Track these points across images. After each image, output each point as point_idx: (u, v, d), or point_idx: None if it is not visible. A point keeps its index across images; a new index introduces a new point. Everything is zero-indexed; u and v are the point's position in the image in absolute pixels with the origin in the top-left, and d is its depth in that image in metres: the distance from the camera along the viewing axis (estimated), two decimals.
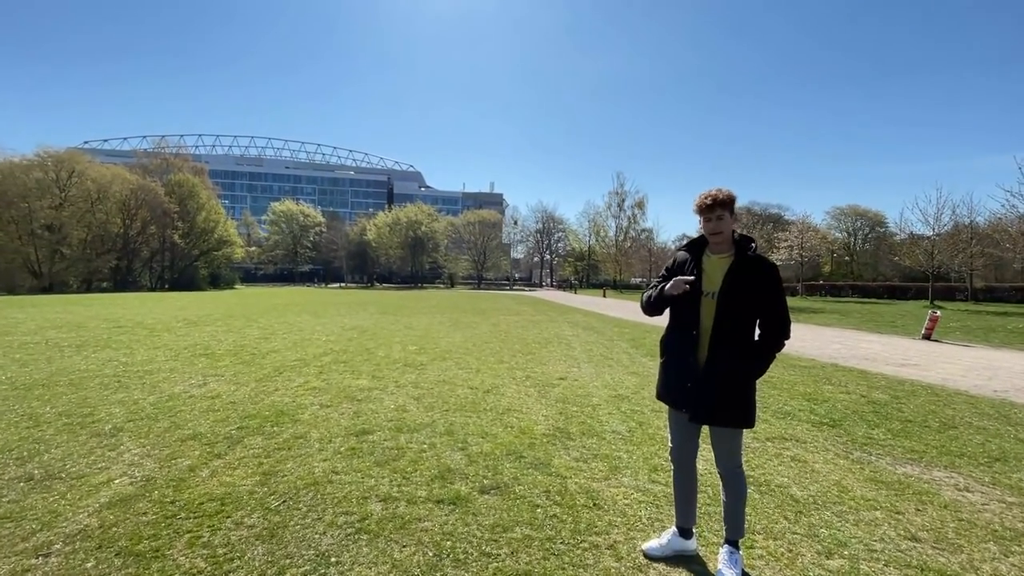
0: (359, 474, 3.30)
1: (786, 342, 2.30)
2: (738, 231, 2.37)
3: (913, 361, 8.51)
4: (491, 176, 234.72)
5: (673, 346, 2.45)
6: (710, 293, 2.29)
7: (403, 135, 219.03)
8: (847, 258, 57.57)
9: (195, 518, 2.68)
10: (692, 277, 2.31)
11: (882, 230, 58.42)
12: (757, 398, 2.34)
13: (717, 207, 2.26)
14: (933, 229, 28.58)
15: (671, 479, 3.28)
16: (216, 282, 53.88)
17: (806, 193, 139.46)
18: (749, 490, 3.17)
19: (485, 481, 3.23)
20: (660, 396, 2.50)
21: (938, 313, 12.50)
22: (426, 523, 2.68)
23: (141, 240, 46.81)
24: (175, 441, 3.90)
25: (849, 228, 60.80)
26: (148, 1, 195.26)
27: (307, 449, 3.76)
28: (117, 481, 3.14)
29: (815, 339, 11.55)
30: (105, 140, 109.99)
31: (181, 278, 49.48)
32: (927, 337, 11.88)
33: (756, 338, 2.30)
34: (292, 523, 2.65)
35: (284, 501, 2.90)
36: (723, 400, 2.26)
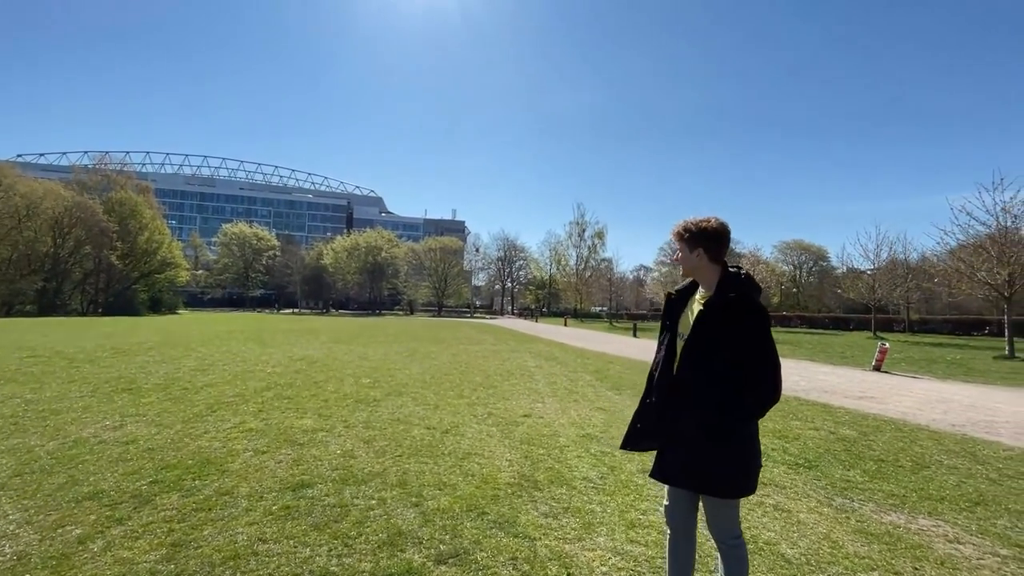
0: (292, 542, 2.78)
1: (771, 403, 1.88)
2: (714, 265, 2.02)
3: (870, 394, 8.63)
4: (453, 203, 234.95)
5: (646, 389, 2.18)
6: (683, 335, 2.02)
7: (365, 160, 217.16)
8: (794, 290, 60.33)
9: None
10: None
11: (825, 264, 61.76)
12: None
13: (676, 240, 2.04)
14: (873, 264, 30.36)
15: (650, 538, 2.97)
16: (157, 306, 50.65)
17: (754, 227, 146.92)
18: None
19: (442, 546, 2.78)
20: None
21: (887, 345, 12.95)
22: None
23: (73, 261, 43.61)
24: (68, 502, 3.25)
25: (795, 261, 63.94)
26: (100, 5, 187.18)
27: (232, 509, 3.19)
28: None
29: None
30: (41, 154, 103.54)
31: (117, 301, 46.16)
32: (877, 368, 12.24)
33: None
34: None
35: None
36: (690, 461, 1.90)
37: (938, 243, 21.53)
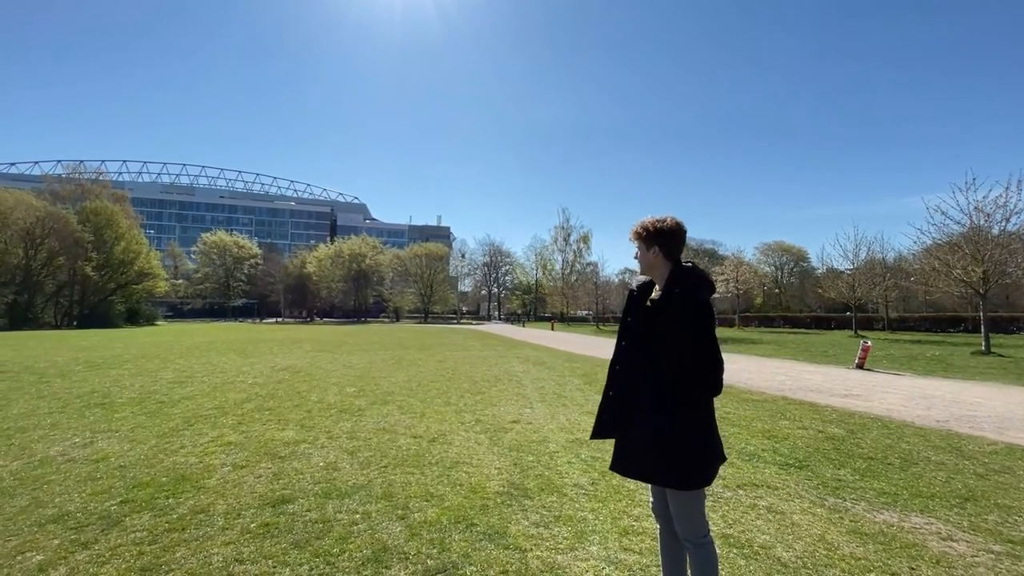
0: (271, 562, 2.65)
1: (708, 395, 1.92)
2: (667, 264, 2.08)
3: (855, 392, 8.70)
4: (438, 209, 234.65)
5: (607, 382, 2.19)
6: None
7: (348, 166, 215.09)
8: (776, 291, 61.28)
9: None
10: None
11: (805, 264, 62.86)
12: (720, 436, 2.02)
13: (634, 239, 2.13)
14: (852, 263, 30.93)
15: (644, 545, 2.89)
16: (134, 318, 49.42)
17: (736, 229, 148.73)
18: (733, 553, 2.82)
19: (430, 562, 2.67)
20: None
21: (869, 343, 13.13)
22: None
23: (46, 272, 42.38)
24: (31, 526, 3.06)
25: (776, 263, 65.00)
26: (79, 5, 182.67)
27: (207, 529, 3.04)
28: None
29: (760, 371, 11.74)
30: (12, 164, 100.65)
31: (92, 314, 44.93)
32: (860, 366, 12.38)
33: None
34: None
35: None
36: (640, 452, 1.96)
37: (915, 242, 21.90)
